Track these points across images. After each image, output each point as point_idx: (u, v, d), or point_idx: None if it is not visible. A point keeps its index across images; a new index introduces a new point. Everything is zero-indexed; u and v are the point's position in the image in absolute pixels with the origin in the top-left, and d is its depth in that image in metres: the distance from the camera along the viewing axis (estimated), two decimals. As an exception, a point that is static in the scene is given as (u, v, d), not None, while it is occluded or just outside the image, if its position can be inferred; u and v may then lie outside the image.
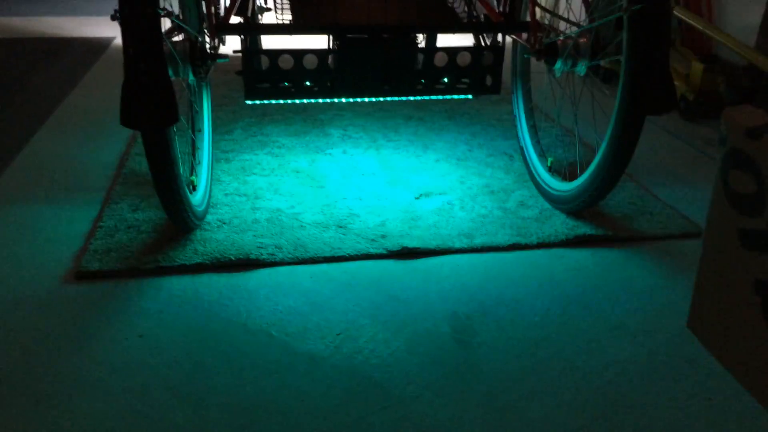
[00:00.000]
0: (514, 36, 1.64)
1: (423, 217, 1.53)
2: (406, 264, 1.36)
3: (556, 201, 1.55)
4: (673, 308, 1.23)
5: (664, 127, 2.15)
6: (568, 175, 1.59)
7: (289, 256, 1.37)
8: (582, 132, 1.78)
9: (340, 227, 1.48)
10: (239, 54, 1.42)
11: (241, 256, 1.35)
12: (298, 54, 1.44)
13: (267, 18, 1.83)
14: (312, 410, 0.98)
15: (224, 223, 1.48)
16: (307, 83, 1.48)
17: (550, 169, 1.63)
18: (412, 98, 1.55)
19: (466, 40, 1.73)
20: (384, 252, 1.39)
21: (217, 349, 1.11)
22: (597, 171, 1.36)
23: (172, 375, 1.05)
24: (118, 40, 2.76)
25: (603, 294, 1.27)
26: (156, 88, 1.07)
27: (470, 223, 1.51)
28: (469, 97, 1.59)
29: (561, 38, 1.43)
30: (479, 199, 1.62)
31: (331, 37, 1.54)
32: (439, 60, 1.51)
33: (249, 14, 1.63)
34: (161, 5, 1.13)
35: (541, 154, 1.70)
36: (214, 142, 1.90)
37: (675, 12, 2.22)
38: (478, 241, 1.43)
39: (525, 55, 1.70)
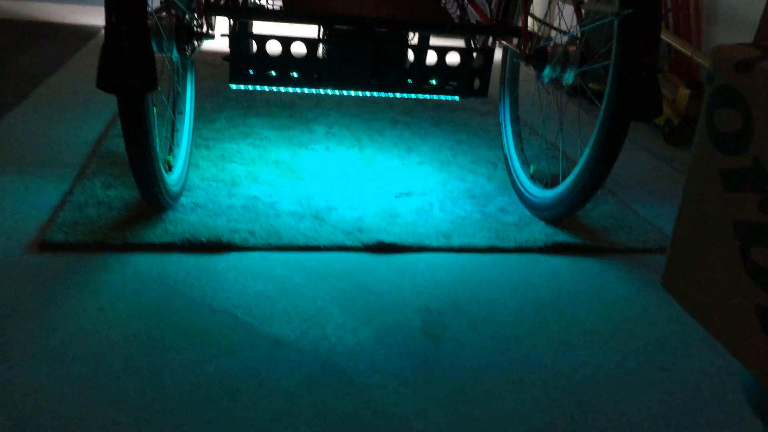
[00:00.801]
0: (504, 42, 1.63)
1: (402, 215, 1.50)
2: (381, 258, 1.34)
3: (536, 208, 1.54)
4: (647, 318, 1.21)
5: (647, 149, 2.15)
6: (550, 184, 1.58)
7: (262, 242, 1.33)
8: (566, 148, 1.77)
9: (317, 218, 1.45)
10: (227, 37, 1.40)
11: (213, 239, 1.32)
12: (286, 41, 1.43)
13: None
14: (272, 392, 0.95)
15: (198, 206, 1.45)
16: (294, 72, 1.46)
17: (533, 177, 1.62)
18: (398, 95, 1.54)
19: (455, 44, 1.72)
20: (360, 245, 1.36)
21: (179, 327, 1.07)
22: (579, 176, 1.35)
23: (129, 348, 1.01)
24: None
25: (577, 300, 1.25)
26: (136, 52, 1.05)
27: (449, 224, 1.49)
28: (456, 98, 1.58)
29: (551, 44, 1.43)
30: (459, 202, 1.60)
31: (321, 27, 1.52)
32: (429, 58, 1.50)
33: (240, -1, 1.61)
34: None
35: (525, 162, 1.69)
36: (196, 130, 1.87)
37: (663, 37, 2.24)
38: (456, 241, 1.41)
39: (514, 60, 1.70)
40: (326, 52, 1.47)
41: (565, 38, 1.43)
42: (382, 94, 1.53)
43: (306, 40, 1.44)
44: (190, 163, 1.61)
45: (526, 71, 1.73)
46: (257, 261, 1.28)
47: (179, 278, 1.20)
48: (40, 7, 3.40)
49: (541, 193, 1.53)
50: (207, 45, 2.87)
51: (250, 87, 1.47)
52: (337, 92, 1.52)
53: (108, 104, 2.00)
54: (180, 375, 0.96)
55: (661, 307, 1.25)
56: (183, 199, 1.47)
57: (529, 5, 1.53)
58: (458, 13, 1.75)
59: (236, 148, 1.80)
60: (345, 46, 1.46)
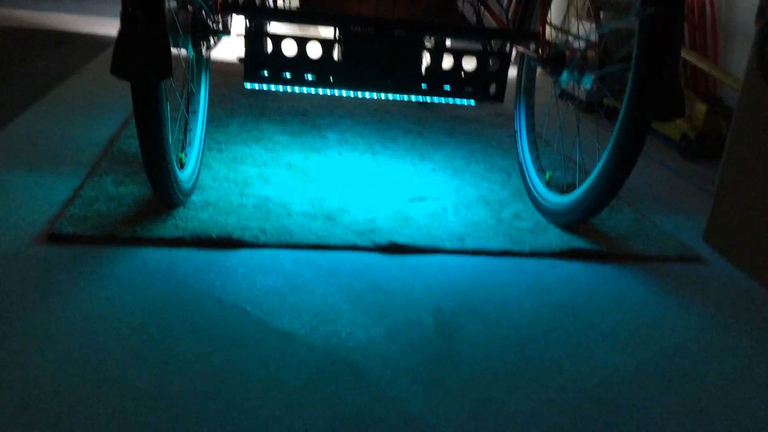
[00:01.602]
0: (521, 48, 1.62)
1: (415, 219, 1.48)
2: (394, 258, 1.31)
3: (551, 214, 1.51)
4: (666, 323, 1.18)
5: (663, 164, 2.13)
6: (566, 190, 1.55)
7: (273, 240, 1.31)
8: (582, 161, 1.75)
9: (329, 219, 1.43)
10: (243, 37, 1.40)
11: (223, 235, 1.30)
12: (301, 41, 1.42)
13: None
14: (280, 384, 0.92)
15: (210, 204, 1.43)
16: (308, 72, 1.45)
17: (548, 184, 1.60)
18: (413, 98, 1.52)
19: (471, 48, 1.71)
20: (371, 245, 1.34)
21: (187, 319, 1.04)
22: (597, 180, 1.33)
23: (136, 338, 0.98)
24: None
25: (594, 304, 1.22)
26: (151, 39, 1.04)
27: (462, 228, 1.46)
28: (472, 103, 1.57)
29: (569, 49, 1.41)
30: (473, 208, 1.58)
31: (337, 28, 1.52)
32: (445, 62, 1.49)
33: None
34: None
35: (540, 170, 1.66)
36: (209, 134, 1.86)
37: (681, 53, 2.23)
38: (470, 244, 1.39)
39: (532, 64, 1.69)
40: (341, 53, 1.46)
41: (583, 44, 1.42)
42: (397, 97, 1.52)
43: (322, 41, 1.43)
44: (202, 163, 1.60)
45: (541, 81, 1.72)
46: (268, 258, 1.26)
47: (188, 272, 1.18)
48: (57, 17, 3.44)
49: (556, 199, 1.50)
50: (221, 54, 2.89)
51: (265, 87, 1.46)
52: (351, 93, 1.51)
53: (121, 107, 2.00)
54: (187, 365, 0.94)
55: (681, 314, 1.21)
56: (194, 198, 1.45)
57: (548, 10, 1.52)
58: (474, 19, 1.74)
59: (248, 152, 1.79)
60: (360, 47, 1.45)
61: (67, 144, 1.71)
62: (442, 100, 1.53)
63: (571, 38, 1.45)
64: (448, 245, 1.37)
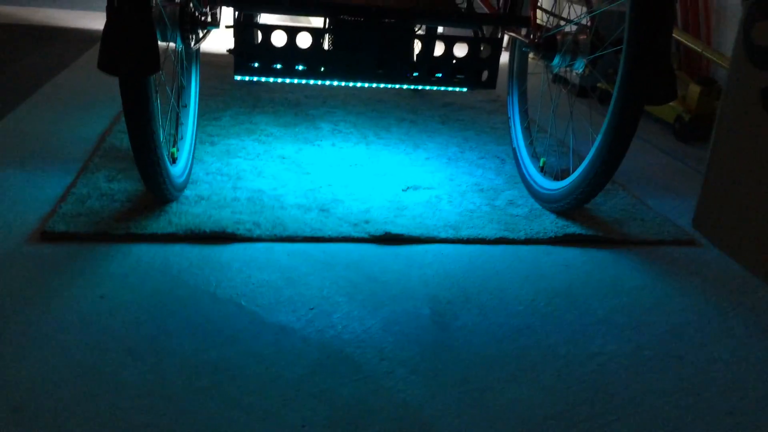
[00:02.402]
0: (512, 33, 1.61)
1: (409, 208, 1.48)
2: (389, 249, 1.31)
3: (546, 200, 1.51)
4: (662, 307, 1.18)
5: (657, 146, 2.12)
6: (560, 176, 1.55)
7: (267, 233, 1.31)
8: (576, 146, 1.74)
9: (323, 210, 1.42)
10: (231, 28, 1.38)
11: (217, 230, 1.29)
12: (291, 31, 1.41)
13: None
14: (276, 378, 0.92)
15: (203, 199, 1.42)
16: (299, 63, 1.44)
17: (542, 170, 1.59)
18: (405, 86, 1.51)
19: (463, 35, 1.70)
20: (366, 236, 1.33)
21: (182, 314, 1.04)
22: (591, 165, 1.32)
23: (131, 335, 0.98)
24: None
25: (590, 290, 1.22)
26: (138, 33, 1.03)
27: (457, 216, 1.46)
28: (464, 90, 1.56)
29: (560, 32, 1.40)
30: (468, 196, 1.57)
31: (327, 17, 1.50)
32: (436, 49, 1.48)
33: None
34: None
35: (534, 156, 1.66)
36: (201, 127, 1.85)
37: (673, 35, 2.22)
38: (465, 233, 1.38)
39: (523, 49, 1.67)
40: (332, 42, 1.45)
41: (574, 27, 1.41)
42: (389, 86, 1.51)
43: (311, 30, 1.42)
44: (194, 157, 1.59)
45: (534, 66, 1.71)
46: (262, 251, 1.25)
47: (182, 268, 1.17)
48: (45, 12, 3.41)
49: (551, 185, 1.50)
50: (211, 46, 2.86)
51: (255, 78, 1.45)
52: (342, 83, 1.50)
53: (112, 101, 1.98)
54: (182, 362, 0.93)
55: (677, 297, 1.21)
56: (187, 192, 1.45)
57: (538, -5, 1.51)
58: (465, 4, 1.72)
59: (241, 144, 1.78)
60: (351, 36, 1.43)
61: (59, 141, 1.70)
62: (434, 87, 1.52)
63: (562, 22, 1.44)
64: (443, 234, 1.37)
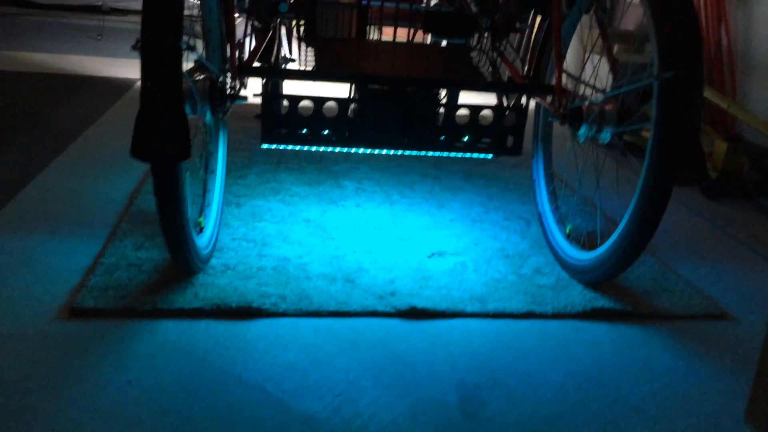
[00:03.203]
0: (538, 99, 1.61)
1: (434, 277, 1.47)
2: (414, 325, 1.30)
3: (573, 270, 1.49)
4: (697, 394, 1.15)
5: (685, 204, 2.10)
6: (588, 243, 1.53)
7: (293, 307, 1.30)
8: (602, 203, 1.73)
9: (348, 281, 1.42)
10: (260, 97, 1.40)
11: (243, 304, 1.29)
12: (318, 101, 1.42)
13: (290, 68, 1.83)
14: (303, 477, 0.91)
15: (228, 268, 1.43)
16: (325, 131, 1.45)
17: (569, 237, 1.58)
18: (431, 153, 1.52)
19: (487, 100, 1.71)
20: (392, 310, 1.33)
21: (208, 402, 1.04)
22: (619, 242, 1.31)
23: (157, 426, 0.98)
24: (141, 80, 2.78)
25: (621, 373, 1.20)
26: (171, 121, 1.04)
27: (483, 287, 1.45)
28: (489, 156, 1.56)
29: (586, 103, 1.40)
30: (493, 263, 1.56)
31: (353, 87, 1.52)
32: (461, 117, 1.48)
33: (272, 60, 1.62)
34: (185, 41, 1.11)
35: (560, 221, 1.65)
36: (227, 186, 1.87)
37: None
38: (491, 306, 1.37)
39: (549, 119, 1.67)
40: (358, 111, 1.46)
41: (600, 97, 1.40)
42: (414, 153, 1.51)
43: (338, 101, 1.43)
44: (221, 222, 1.60)
45: (559, 127, 1.71)
46: (287, 328, 1.25)
47: (208, 347, 1.17)
48: (74, 60, 3.48)
49: (578, 255, 1.48)
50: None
51: (282, 147, 1.46)
52: (368, 151, 1.50)
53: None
54: (209, 456, 0.93)
55: (711, 382, 1.18)
56: (213, 260, 1.45)
57: (563, 63, 1.51)
58: (490, 70, 1.73)
59: (267, 206, 1.79)
60: (377, 105, 1.44)
61: (87, 203, 1.72)
62: (459, 155, 1.52)
63: (587, 92, 1.44)
64: (469, 308, 1.35)
